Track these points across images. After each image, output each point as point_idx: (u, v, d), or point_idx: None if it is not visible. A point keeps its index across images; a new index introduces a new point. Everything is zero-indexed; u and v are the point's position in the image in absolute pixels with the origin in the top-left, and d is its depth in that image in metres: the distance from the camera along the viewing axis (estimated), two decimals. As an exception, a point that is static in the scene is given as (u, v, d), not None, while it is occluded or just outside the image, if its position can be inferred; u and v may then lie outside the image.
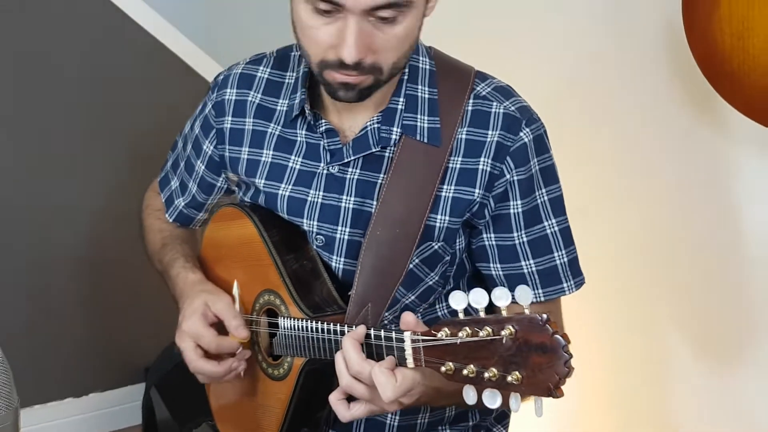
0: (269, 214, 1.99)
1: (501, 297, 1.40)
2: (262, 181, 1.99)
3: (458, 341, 1.44)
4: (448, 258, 1.92)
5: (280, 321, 1.89)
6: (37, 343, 3.57)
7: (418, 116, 1.87)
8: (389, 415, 1.98)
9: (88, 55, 3.51)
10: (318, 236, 1.93)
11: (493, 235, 1.90)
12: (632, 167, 2.78)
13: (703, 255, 2.66)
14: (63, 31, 3.45)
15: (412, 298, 1.93)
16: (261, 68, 2.05)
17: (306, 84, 1.94)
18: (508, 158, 1.84)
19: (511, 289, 1.87)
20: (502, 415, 2.14)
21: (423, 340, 1.51)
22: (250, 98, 2.03)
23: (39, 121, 3.47)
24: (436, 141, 1.85)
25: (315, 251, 1.94)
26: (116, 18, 3.51)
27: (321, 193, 1.93)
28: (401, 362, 1.58)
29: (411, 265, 1.87)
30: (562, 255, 1.91)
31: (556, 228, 1.90)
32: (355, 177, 1.90)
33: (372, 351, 1.65)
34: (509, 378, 1.38)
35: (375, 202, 1.88)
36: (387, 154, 1.88)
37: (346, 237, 1.91)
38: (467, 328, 1.43)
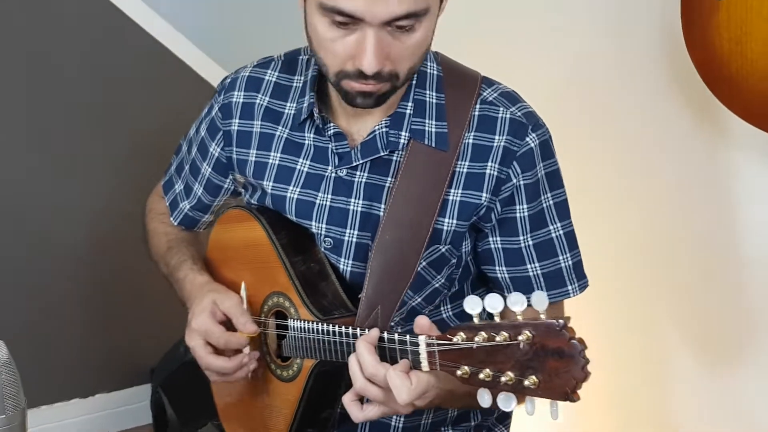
0: (277, 216, 1.98)
1: (517, 302, 1.40)
2: (270, 184, 1.98)
3: (474, 345, 1.44)
4: (454, 261, 1.92)
5: (290, 323, 1.88)
6: (44, 345, 3.57)
7: (426, 121, 1.87)
8: (394, 417, 1.98)
9: (90, 57, 3.51)
10: (326, 239, 1.92)
11: (499, 239, 1.90)
12: (632, 168, 2.78)
13: (702, 255, 2.66)
14: (66, 33, 3.45)
15: (419, 300, 1.93)
16: (269, 71, 2.04)
17: (314, 88, 1.94)
18: (514, 163, 1.84)
19: (516, 291, 1.88)
20: (504, 415, 2.14)
21: (438, 344, 1.51)
22: (258, 101, 2.02)
23: (41, 123, 3.46)
24: (443, 145, 1.85)
25: (323, 253, 1.94)
26: (119, 21, 3.50)
27: (329, 196, 1.92)
28: (415, 365, 1.58)
29: (418, 268, 1.86)
30: (567, 258, 1.91)
31: (561, 232, 1.91)
32: (363, 180, 1.90)
33: (386, 354, 1.64)
34: (526, 382, 1.38)
35: (383, 206, 1.88)
36: (395, 158, 1.88)
37: (354, 240, 1.91)
38: (483, 333, 1.43)
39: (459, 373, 1.46)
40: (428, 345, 1.54)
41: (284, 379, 1.93)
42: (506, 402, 1.42)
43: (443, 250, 1.88)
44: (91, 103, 3.53)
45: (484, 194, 1.85)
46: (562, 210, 1.92)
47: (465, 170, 1.86)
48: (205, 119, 2.12)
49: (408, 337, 1.59)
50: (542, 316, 1.38)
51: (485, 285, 2.02)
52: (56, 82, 3.46)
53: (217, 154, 2.09)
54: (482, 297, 1.44)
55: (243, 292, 1.98)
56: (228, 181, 2.13)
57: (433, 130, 1.87)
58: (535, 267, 1.90)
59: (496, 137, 1.85)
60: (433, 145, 1.85)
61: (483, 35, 2.99)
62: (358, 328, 1.72)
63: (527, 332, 1.38)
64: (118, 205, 3.56)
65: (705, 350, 2.71)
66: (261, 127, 2.01)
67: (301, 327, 1.84)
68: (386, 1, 1.64)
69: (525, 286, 1.91)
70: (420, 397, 1.59)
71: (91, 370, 3.72)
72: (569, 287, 1.92)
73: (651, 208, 2.76)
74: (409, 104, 1.88)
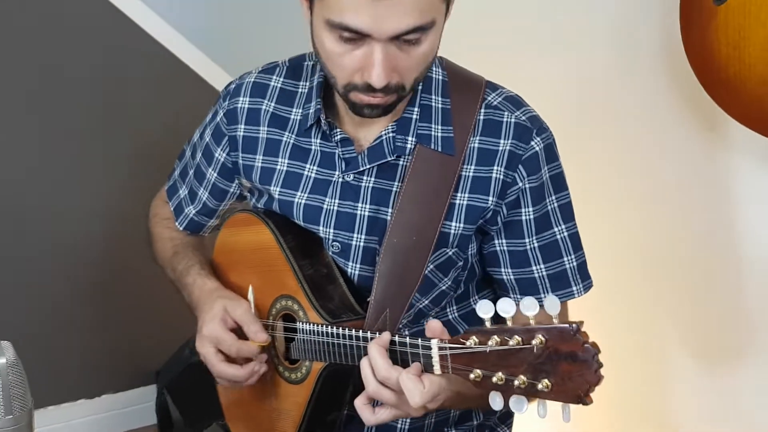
0: (284, 219, 1.98)
1: (529, 307, 1.39)
2: (278, 189, 1.97)
3: (488, 349, 1.43)
4: (461, 263, 1.91)
5: (299, 326, 1.87)
6: (51, 346, 3.55)
7: (433, 125, 1.87)
8: (399, 421, 1.99)
9: (91, 59, 3.49)
10: (334, 243, 1.92)
11: (504, 241, 1.90)
12: (632, 169, 2.78)
13: (702, 255, 2.66)
14: (68, 35, 3.43)
15: (426, 302, 1.92)
16: (274, 77, 2.03)
17: (321, 94, 1.93)
18: (520, 167, 1.84)
19: (522, 293, 1.90)
20: (506, 415, 2.14)
21: (450, 348, 1.51)
22: (263, 107, 2.01)
23: (43, 123, 3.45)
24: (450, 150, 1.85)
25: (331, 257, 1.93)
26: (120, 22, 3.49)
27: (336, 201, 1.91)
28: (428, 368, 1.57)
29: (426, 271, 1.86)
30: (572, 259, 1.92)
31: (566, 233, 1.91)
32: (370, 185, 1.89)
33: (397, 357, 1.64)
34: (539, 386, 1.37)
35: (390, 210, 1.87)
36: (401, 163, 1.87)
37: (361, 244, 1.90)
38: (496, 337, 1.42)
39: (472, 376, 1.46)
40: (440, 348, 1.53)
41: (292, 382, 1.93)
42: (518, 405, 1.41)
43: (450, 253, 1.88)
44: (93, 105, 3.52)
45: (490, 198, 1.85)
46: (567, 212, 1.92)
47: (471, 174, 1.85)
48: (209, 124, 2.11)
49: (420, 340, 1.59)
50: (555, 321, 1.37)
51: (490, 286, 2.01)
52: (58, 83, 3.45)
53: (222, 159, 2.08)
54: (494, 301, 1.44)
55: (250, 296, 1.98)
56: (233, 185, 2.12)
57: (440, 134, 1.86)
58: (541, 269, 1.90)
59: (502, 141, 1.85)
60: (440, 149, 1.85)
61: (484, 39, 2.98)
62: (369, 332, 1.72)
63: (540, 336, 1.37)
64: (126, 206, 3.50)
65: (705, 350, 2.71)
66: (267, 133, 2.00)
67: (310, 330, 1.84)
68: (393, 17, 1.63)
69: (530, 288, 1.91)
70: (432, 400, 1.59)
71: (98, 371, 3.71)
72: (574, 288, 1.93)
73: (651, 209, 2.76)
74: (416, 109, 1.87)
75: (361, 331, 1.73)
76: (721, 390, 2.68)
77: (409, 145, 1.86)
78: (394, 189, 1.87)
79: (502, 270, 1.92)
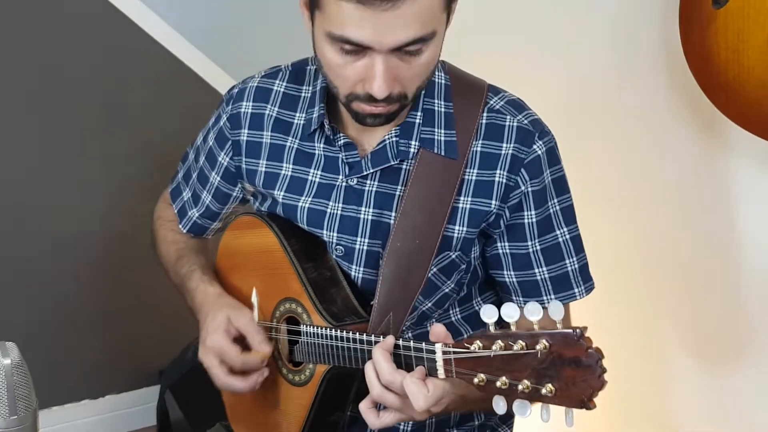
0: (288, 223, 1.97)
1: (533, 312, 1.38)
2: (281, 194, 1.97)
3: (492, 354, 1.42)
4: (464, 266, 1.91)
5: (303, 329, 1.87)
6: (55, 347, 3.55)
7: (436, 130, 1.86)
8: (402, 422, 1.98)
9: (93, 60, 3.48)
10: (338, 247, 1.91)
11: (507, 244, 1.89)
12: (632, 170, 2.78)
13: (702, 256, 2.65)
14: (70, 35, 3.42)
15: (429, 305, 1.92)
16: (277, 82, 2.02)
17: (324, 99, 1.92)
18: (522, 170, 1.83)
19: (524, 295, 1.90)
20: (507, 415, 2.14)
21: (455, 352, 1.50)
22: (267, 111, 2.00)
23: (48, 124, 3.44)
24: (452, 154, 1.84)
25: (334, 260, 1.93)
26: (124, 26, 3.48)
27: (340, 205, 1.91)
28: (431, 372, 1.57)
29: (429, 274, 1.85)
30: (574, 262, 1.91)
31: (568, 236, 1.90)
32: (374, 189, 1.89)
33: (401, 361, 1.63)
34: (543, 390, 1.37)
35: (393, 214, 1.86)
36: (405, 167, 1.87)
37: (365, 248, 1.89)
38: (500, 341, 1.42)
39: (475, 381, 1.45)
40: (444, 353, 1.53)
41: (296, 384, 1.92)
42: (522, 409, 1.41)
43: (453, 256, 1.88)
44: (94, 105, 3.51)
45: (493, 202, 1.84)
46: (569, 215, 1.91)
47: (474, 178, 1.84)
48: (213, 128, 2.10)
49: (424, 344, 1.58)
50: (558, 326, 1.37)
51: (493, 288, 2.01)
52: (58, 83, 3.44)
53: (226, 163, 2.08)
54: (497, 303, 1.43)
55: (254, 299, 1.97)
56: (236, 189, 2.11)
57: (442, 138, 1.85)
58: (543, 271, 1.89)
59: (504, 145, 1.84)
60: (443, 153, 1.84)
61: (485, 45, 2.96)
62: (373, 335, 1.71)
63: (544, 341, 1.37)
64: (128, 206, 3.54)
65: (705, 350, 2.70)
66: (271, 138, 1.99)
67: (314, 333, 1.83)
68: (393, 29, 1.62)
69: (533, 290, 1.91)
70: (436, 403, 1.58)
71: (102, 372, 3.71)
72: (576, 290, 1.92)
73: (651, 209, 2.75)
74: (419, 113, 1.86)
75: (365, 334, 1.72)
76: (721, 390, 2.67)
77: (412, 149, 1.85)
78: (398, 193, 1.87)
79: (505, 272, 1.92)
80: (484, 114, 1.87)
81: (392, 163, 1.86)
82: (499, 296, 2.01)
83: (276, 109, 2.00)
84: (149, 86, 3.57)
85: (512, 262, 1.90)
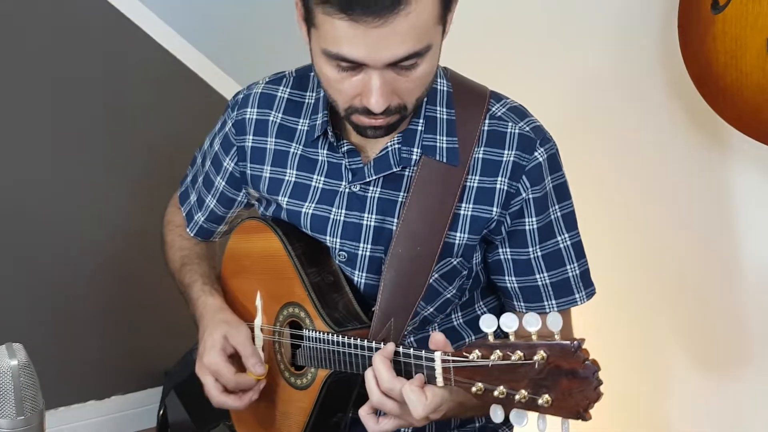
0: (293, 228, 1.96)
1: (532, 322, 1.36)
2: (285, 199, 1.95)
3: (490, 363, 1.41)
4: (465, 272, 1.89)
5: (306, 333, 1.86)
6: (62, 348, 3.55)
7: (437, 137, 1.84)
8: None
9: (105, 67, 3.47)
10: (341, 252, 1.90)
11: (508, 250, 1.88)
12: (631, 173, 2.75)
13: (701, 258, 2.63)
14: (82, 46, 3.41)
15: (431, 310, 1.90)
16: (281, 88, 2.00)
17: (327, 106, 1.90)
18: (523, 177, 1.82)
19: (525, 300, 1.88)
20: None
21: (453, 361, 1.49)
22: (271, 118, 1.99)
23: (64, 128, 3.44)
24: (454, 161, 1.82)
25: (338, 265, 1.92)
26: (131, 32, 3.47)
27: (343, 211, 1.89)
28: (430, 380, 1.56)
29: (430, 280, 1.84)
30: (575, 267, 1.90)
31: (569, 242, 1.89)
32: (376, 195, 1.87)
33: (401, 368, 1.62)
34: (539, 401, 1.36)
35: (396, 220, 1.85)
36: (407, 174, 1.85)
37: (368, 253, 1.88)
38: (499, 351, 1.40)
39: (473, 389, 1.44)
40: (443, 361, 1.51)
41: (298, 387, 1.91)
42: (518, 418, 1.40)
43: (455, 262, 1.86)
44: (101, 110, 3.51)
45: (494, 208, 1.82)
46: (570, 221, 1.90)
47: (475, 185, 1.83)
48: (218, 134, 2.09)
49: (424, 352, 1.57)
50: (557, 337, 1.36)
51: (495, 293, 2.00)
52: (67, 88, 3.43)
53: (231, 169, 2.06)
54: (499, 308, 1.47)
55: (258, 303, 1.97)
56: (241, 194, 2.10)
57: (444, 145, 1.83)
58: (544, 277, 1.88)
59: (506, 152, 1.82)
60: (444, 160, 1.83)
61: (485, 55, 2.95)
62: (374, 341, 1.70)
63: (542, 352, 1.35)
64: (135, 210, 3.56)
65: (704, 353, 2.68)
66: (275, 144, 1.98)
67: (316, 338, 1.82)
68: (387, 46, 1.60)
69: (534, 295, 1.89)
70: (434, 411, 1.57)
71: (108, 373, 3.71)
72: (576, 295, 1.91)
73: (650, 212, 2.73)
74: (421, 121, 1.85)
75: (365, 340, 1.71)
76: (720, 393, 2.65)
77: (414, 157, 1.84)
78: (400, 199, 1.85)
79: (506, 278, 1.90)
80: (486, 121, 1.85)
81: (394, 169, 1.84)
82: (501, 301, 1.99)
83: (280, 115, 1.98)
84: (152, 89, 3.57)
85: (513, 267, 1.89)
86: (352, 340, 1.74)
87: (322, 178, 1.91)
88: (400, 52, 1.61)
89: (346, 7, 1.56)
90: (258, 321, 1.98)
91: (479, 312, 1.98)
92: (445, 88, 1.87)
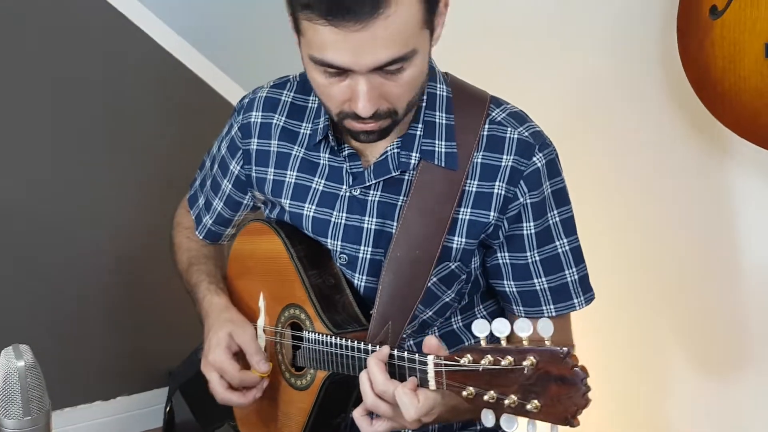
0: (295, 230, 1.95)
1: (523, 328, 1.35)
2: (287, 201, 1.94)
3: (480, 368, 1.40)
4: (464, 276, 1.87)
5: (305, 335, 1.85)
6: (68, 349, 3.56)
7: (436, 141, 1.82)
8: None
9: (107, 72, 3.48)
10: (341, 255, 1.89)
11: (507, 254, 1.85)
12: (632, 174, 2.73)
13: (701, 260, 2.61)
14: (86, 50, 3.43)
15: (430, 314, 1.88)
16: (285, 92, 1.99)
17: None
18: (521, 182, 1.79)
19: (524, 305, 1.86)
20: None
21: (445, 365, 1.47)
22: (274, 121, 1.98)
23: (69, 128, 3.44)
24: (453, 165, 1.80)
25: (339, 268, 1.90)
26: (136, 37, 3.48)
27: (344, 214, 1.88)
28: (423, 383, 1.54)
29: (429, 284, 1.82)
30: (573, 273, 1.87)
31: (567, 247, 1.86)
32: (377, 199, 1.85)
33: (395, 370, 1.60)
34: (528, 406, 1.34)
35: (395, 224, 1.83)
36: (406, 178, 1.83)
37: (368, 256, 1.86)
38: (489, 356, 1.39)
39: (464, 393, 1.42)
40: (436, 365, 1.50)
41: (298, 388, 1.90)
42: (509, 423, 1.38)
43: (453, 266, 1.84)
44: (108, 113, 3.51)
45: (492, 213, 1.80)
46: (569, 226, 1.87)
47: (474, 189, 1.80)
48: (225, 137, 2.08)
49: (417, 356, 1.55)
50: (547, 343, 1.34)
51: (494, 297, 1.97)
52: (70, 91, 3.44)
53: (237, 172, 2.05)
54: (498, 313, 1.46)
55: (261, 304, 1.97)
56: (247, 197, 2.09)
57: (443, 150, 1.81)
58: (542, 281, 1.85)
59: (504, 157, 1.79)
60: (443, 164, 1.80)
61: (484, 61, 2.93)
62: (370, 344, 1.69)
63: (532, 358, 1.34)
64: (137, 210, 3.57)
65: (704, 354, 2.66)
66: (278, 147, 1.97)
67: (315, 339, 1.81)
68: (369, 51, 1.59)
69: (532, 300, 1.87)
70: (427, 414, 1.56)
71: (113, 374, 3.72)
72: (575, 300, 1.88)
73: (650, 213, 2.71)
74: (419, 126, 1.83)
75: (362, 343, 1.70)
76: (720, 394, 2.63)
77: (413, 161, 1.82)
78: (399, 203, 1.83)
79: (505, 282, 1.88)
80: (486, 126, 1.82)
81: (393, 174, 1.83)
82: (501, 305, 1.97)
83: (283, 118, 1.97)
84: (152, 89, 3.57)
85: (512, 272, 1.86)
86: (348, 342, 1.72)
87: (323, 181, 1.90)
88: (384, 57, 1.59)
89: (326, 13, 1.56)
90: (261, 322, 1.97)
91: (479, 315, 1.96)
92: (444, 93, 1.85)
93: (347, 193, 1.87)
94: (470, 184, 1.80)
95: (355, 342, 1.71)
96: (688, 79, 2.28)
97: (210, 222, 2.16)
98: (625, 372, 2.82)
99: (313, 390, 1.84)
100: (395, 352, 1.60)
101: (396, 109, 1.70)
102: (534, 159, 1.79)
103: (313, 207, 1.90)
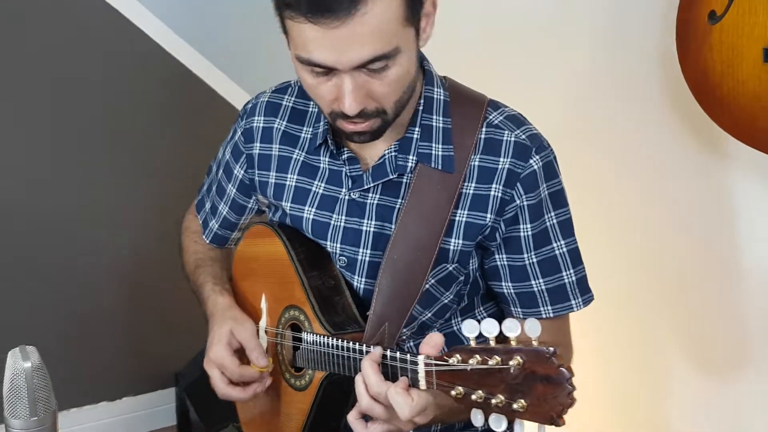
0: (296, 233, 1.98)
1: (511, 328, 1.37)
2: (288, 204, 1.97)
3: (468, 368, 1.42)
4: (462, 278, 1.89)
5: (304, 336, 1.87)
6: (74, 350, 3.59)
7: (433, 145, 1.84)
8: None
9: (109, 72, 3.53)
10: (341, 258, 1.91)
11: (504, 256, 1.87)
12: (632, 175, 2.76)
13: (701, 260, 2.64)
14: (86, 50, 3.47)
15: (429, 315, 1.90)
16: (286, 97, 2.03)
17: None
18: (518, 184, 1.81)
19: (522, 306, 1.88)
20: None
21: (435, 364, 1.49)
22: (276, 125, 2.01)
23: (65, 133, 3.48)
24: (450, 168, 1.82)
25: (338, 270, 1.92)
26: (136, 37, 3.53)
27: (343, 217, 1.90)
28: (414, 383, 1.55)
29: (427, 285, 1.84)
30: (571, 274, 1.89)
31: (565, 249, 1.88)
32: (375, 202, 1.88)
33: (387, 371, 1.62)
34: (515, 405, 1.35)
35: (394, 226, 1.85)
36: (404, 181, 1.85)
37: (367, 259, 1.89)
38: (477, 356, 1.40)
39: (453, 393, 1.44)
40: (426, 365, 1.52)
41: (297, 388, 1.93)
42: (497, 423, 1.39)
43: (451, 268, 1.86)
44: (114, 108, 3.57)
45: (488, 215, 1.82)
46: (566, 228, 1.89)
47: (471, 191, 1.83)
48: (229, 143, 2.11)
49: (408, 356, 1.57)
50: (534, 343, 1.35)
51: (495, 299, 1.99)
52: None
53: (240, 176, 2.08)
54: (498, 321, 1.42)
55: (263, 305, 2.00)
56: (251, 201, 2.12)
57: (440, 153, 1.84)
58: (540, 283, 1.88)
59: (501, 159, 1.82)
60: (440, 167, 1.82)
61: (486, 51, 2.98)
62: (365, 345, 1.71)
63: (518, 357, 1.35)
64: (138, 210, 3.60)
65: (704, 355, 2.68)
66: (279, 151, 2.00)
67: (312, 340, 1.84)
68: (350, 48, 1.61)
69: (530, 301, 1.89)
70: (420, 413, 1.57)
71: (119, 375, 3.74)
72: (573, 302, 1.90)
73: (649, 214, 2.73)
74: (416, 129, 1.85)
75: (357, 343, 1.72)
76: (720, 394, 2.65)
77: (410, 164, 1.84)
78: (398, 206, 1.86)
79: (503, 284, 1.90)
80: (483, 129, 1.85)
81: (391, 177, 1.85)
82: (500, 307, 1.99)
83: (284, 122, 2.00)
84: (152, 89, 3.61)
85: (510, 273, 1.88)
86: (342, 343, 1.74)
87: (323, 184, 1.92)
88: (365, 54, 1.62)
89: (306, 11, 1.59)
90: (262, 323, 1.99)
91: (480, 317, 1.97)
92: (441, 97, 1.87)
93: (346, 197, 1.89)
94: (467, 186, 1.82)
95: (349, 342, 1.73)
96: (687, 83, 2.30)
97: (216, 226, 2.18)
98: (625, 372, 2.82)
99: (312, 390, 1.86)
100: (388, 353, 1.62)
101: (384, 108, 1.72)
102: (531, 161, 1.81)
103: (313, 210, 1.93)
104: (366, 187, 1.88)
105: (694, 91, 2.31)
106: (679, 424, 2.73)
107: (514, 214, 1.83)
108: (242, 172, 2.07)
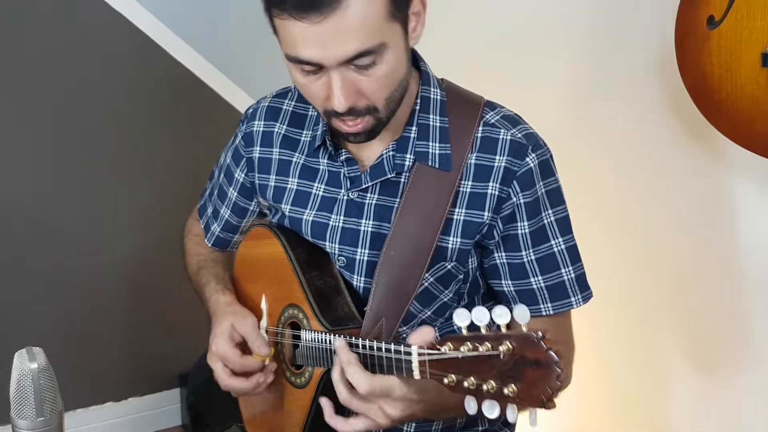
0: (295, 234, 2.01)
1: (501, 315, 1.40)
2: (288, 207, 2.01)
3: (460, 356, 1.44)
4: (461, 276, 1.92)
5: (302, 334, 1.90)
6: (80, 351, 3.62)
7: (430, 143, 1.88)
8: (406, 423, 2.02)
9: (109, 72, 3.56)
10: (340, 258, 1.95)
11: (503, 254, 1.91)
12: (632, 175, 2.77)
13: (700, 261, 2.65)
14: (86, 50, 3.50)
15: (429, 313, 1.94)
16: (286, 101, 2.08)
17: None
18: (514, 182, 1.85)
19: (522, 303, 1.79)
20: (508, 422, 2.12)
21: (428, 353, 1.51)
22: (276, 129, 2.06)
23: (65, 133, 3.52)
24: (447, 166, 1.86)
25: (338, 270, 1.96)
26: (136, 37, 3.56)
27: (342, 217, 1.94)
28: (407, 373, 1.58)
29: (426, 284, 1.88)
30: (569, 271, 1.92)
31: (563, 246, 1.91)
32: (373, 202, 1.92)
33: (382, 362, 1.65)
34: (506, 390, 1.38)
35: (391, 225, 1.88)
36: (402, 180, 1.89)
37: (365, 258, 1.92)
38: (468, 343, 1.43)
39: (446, 381, 1.47)
40: (419, 354, 1.54)
41: (297, 386, 1.97)
42: (490, 409, 1.42)
43: (449, 266, 1.90)
44: (114, 108, 3.59)
45: (486, 213, 1.86)
46: (564, 226, 1.92)
47: (468, 190, 1.87)
48: (231, 147, 2.16)
49: (402, 347, 1.59)
50: (523, 328, 1.38)
51: (496, 298, 2.02)
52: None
53: (241, 180, 2.13)
54: (470, 310, 1.45)
55: (263, 305, 2.04)
56: (253, 204, 2.17)
57: (437, 152, 1.88)
58: (539, 280, 1.91)
59: (497, 158, 1.86)
60: (437, 166, 1.86)
61: (486, 51, 3.00)
62: (353, 338, 1.73)
63: (508, 343, 1.38)
64: (150, 215, 3.63)
65: (704, 354, 2.69)
66: (279, 154, 2.04)
67: (310, 337, 1.87)
68: (334, 43, 1.64)
69: (529, 298, 1.91)
70: (384, 397, 1.64)
71: (124, 376, 3.77)
72: (572, 299, 1.93)
73: (650, 213, 2.74)
74: (414, 128, 1.89)
75: (353, 338, 1.74)
76: (720, 394, 2.66)
77: (407, 163, 1.88)
78: (395, 205, 1.89)
79: (503, 282, 1.93)
80: (480, 128, 1.88)
81: (389, 176, 1.88)
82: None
83: (284, 126, 2.05)
84: (152, 89, 3.65)
85: (509, 271, 1.92)
86: (337, 337, 1.78)
87: (323, 186, 1.97)
88: (349, 49, 1.65)
89: (290, 7, 1.62)
90: (263, 323, 2.03)
91: None
92: (438, 97, 1.92)
93: (345, 197, 1.93)
94: (464, 185, 1.86)
95: (346, 337, 1.75)
96: (686, 87, 2.32)
97: (218, 229, 2.23)
98: (625, 372, 2.83)
99: (311, 387, 1.89)
100: (383, 345, 1.64)
101: (375, 105, 1.75)
102: (527, 159, 1.84)
103: (313, 212, 1.97)
104: (364, 186, 1.91)
105: (693, 95, 2.33)
106: (679, 424, 2.74)
107: (511, 211, 1.87)
108: (243, 175, 2.12)
